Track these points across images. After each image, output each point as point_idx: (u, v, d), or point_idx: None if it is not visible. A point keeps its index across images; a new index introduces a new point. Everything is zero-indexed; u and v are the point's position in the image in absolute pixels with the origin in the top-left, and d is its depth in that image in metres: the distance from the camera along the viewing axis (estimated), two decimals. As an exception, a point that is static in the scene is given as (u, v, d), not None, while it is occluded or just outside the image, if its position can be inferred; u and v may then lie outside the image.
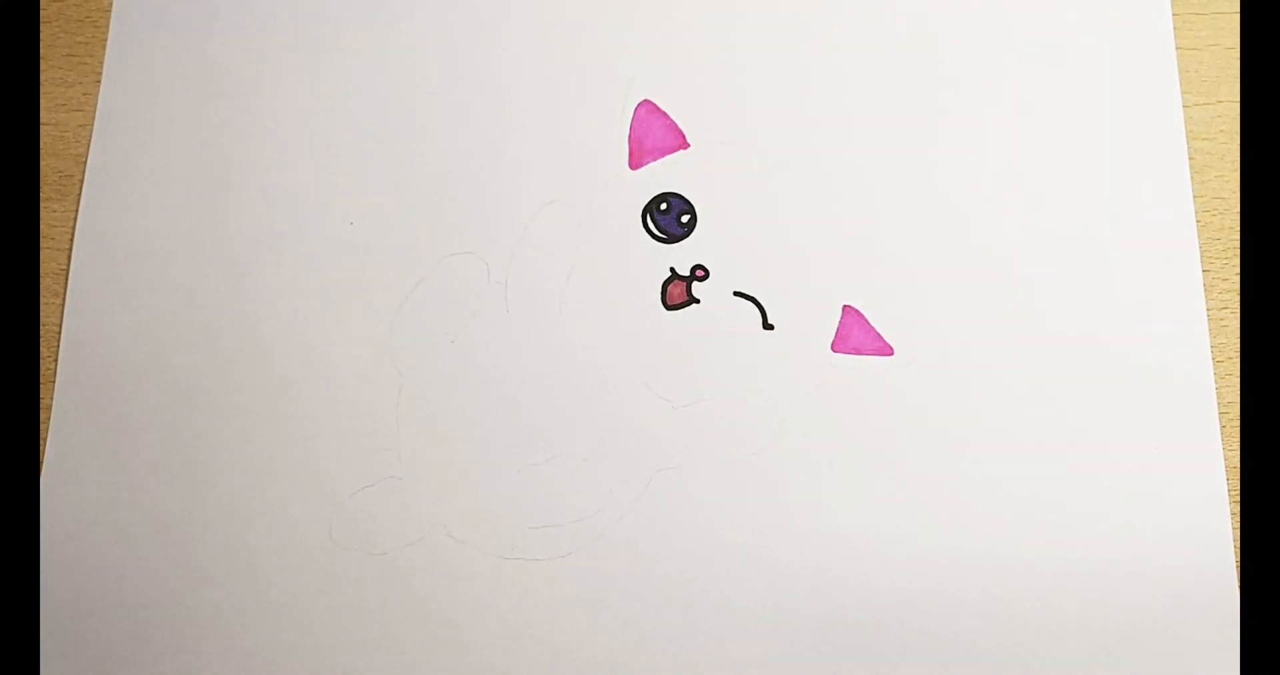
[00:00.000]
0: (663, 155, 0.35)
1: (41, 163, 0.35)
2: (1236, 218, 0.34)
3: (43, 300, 0.34)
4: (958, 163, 0.34)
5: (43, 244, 0.35)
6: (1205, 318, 0.33)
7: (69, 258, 0.35)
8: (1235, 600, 0.31)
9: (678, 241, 0.34)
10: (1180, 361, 0.33)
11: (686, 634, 0.31)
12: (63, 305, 0.34)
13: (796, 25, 0.36)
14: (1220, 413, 0.32)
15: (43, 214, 0.35)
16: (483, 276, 0.34)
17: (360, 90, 0.36)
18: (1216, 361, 0.33)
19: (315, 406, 0.33)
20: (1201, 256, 0.33)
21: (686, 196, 0.34)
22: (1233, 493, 0.32)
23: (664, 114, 0.35)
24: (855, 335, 0.33)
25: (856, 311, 0.33)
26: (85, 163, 0.35)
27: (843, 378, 0.33)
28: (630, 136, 0.35)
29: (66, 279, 0.35)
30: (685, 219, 0.34)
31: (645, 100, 0.35)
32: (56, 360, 0.34)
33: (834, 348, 0.33)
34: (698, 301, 0.34)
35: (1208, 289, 0.33)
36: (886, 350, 0.33)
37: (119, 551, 0.32)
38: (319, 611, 0.32)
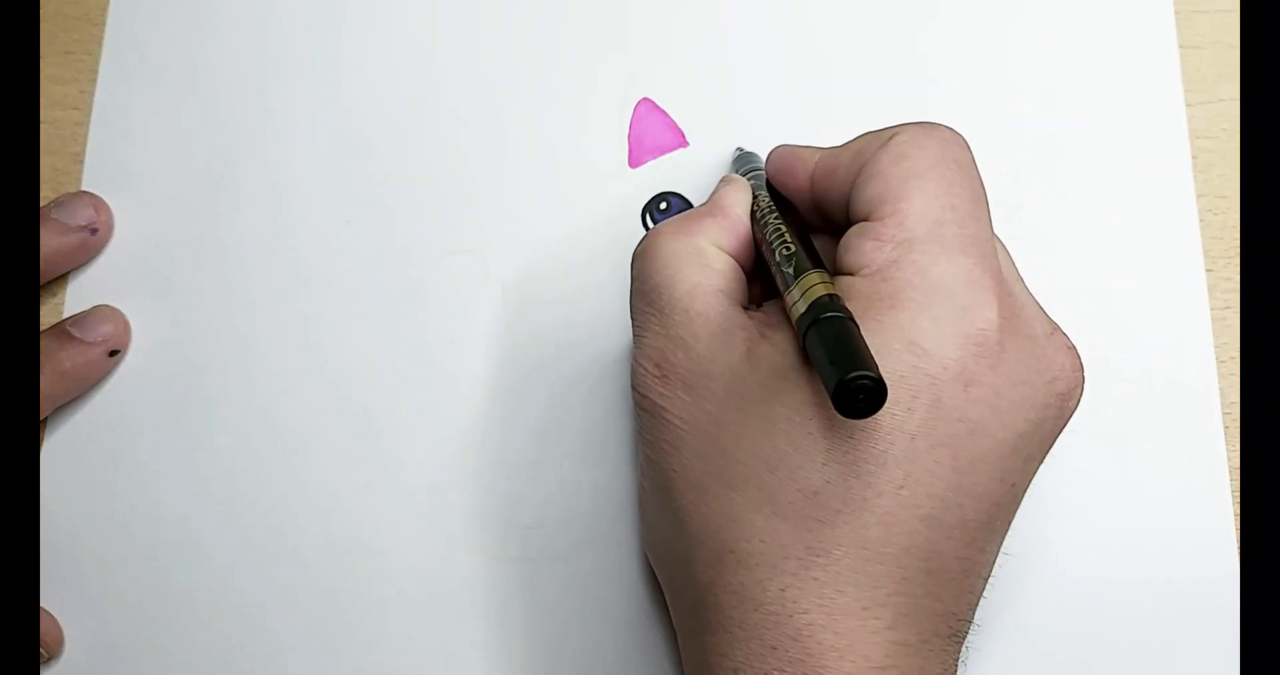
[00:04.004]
0: (662, 154, 0.35)
1: (38, 161, 0.35)
2: (1239, 216, 0.34)
3: (43, 300, 0.34)
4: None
5: (41, 243, 0.35)
6: (1209, 317, 0.33)
7: (67, 257, 0.35)
8: (1235, 600, 0.31)
9: (678, 241, 0.34)
10: (1183, 361, 0.33)
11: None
12: (62, 305, 0.34)
13: (796, 24, 0.36)
14: (1224, 413, 0.32)
15: (41, 213, 0.35)
16: (482, 276, 0.34)
17: (360, 88, 0.36)
18: (1219, 361, 0.33)
19: (315, 406, 0.33)
20: (1204, 255, 0.33)
21: (686, 196, 0.34)
22: (1234, 493, 0.32)
23: (663, 112, 0.35)
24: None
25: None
26: (83, 161, 0.35)
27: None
28: (630, 135, 0.35)
29: (66, 278, 0.34)
30: (685, 218, 0.34)
31: (645, 98, 0.35)
32: (55, 360, 0.34)
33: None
34: (698, 301, 0.34)
35: (1210, 288, 0.33)
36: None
37: (119, 551, 0.32)
38: (318, 611, 0.32)
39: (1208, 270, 0.33)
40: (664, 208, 0.34)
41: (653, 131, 0.35)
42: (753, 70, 0.35)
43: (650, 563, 0.29)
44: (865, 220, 0.26)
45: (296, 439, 0.33)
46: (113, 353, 0.33)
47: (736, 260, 0.28)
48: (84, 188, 0.35)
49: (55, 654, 0.32)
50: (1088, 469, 0.32)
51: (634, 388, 0.27)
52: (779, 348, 0.25)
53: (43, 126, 0.36)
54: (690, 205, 0.34)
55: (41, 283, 0.34)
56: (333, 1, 0.36)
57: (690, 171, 0.35)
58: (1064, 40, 0.35)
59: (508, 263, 0.34)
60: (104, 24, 0.36)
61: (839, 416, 0.22)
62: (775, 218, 0.27)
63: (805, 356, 0.24)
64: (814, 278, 0.24)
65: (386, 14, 0.36)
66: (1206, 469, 0.32)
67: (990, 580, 0.26)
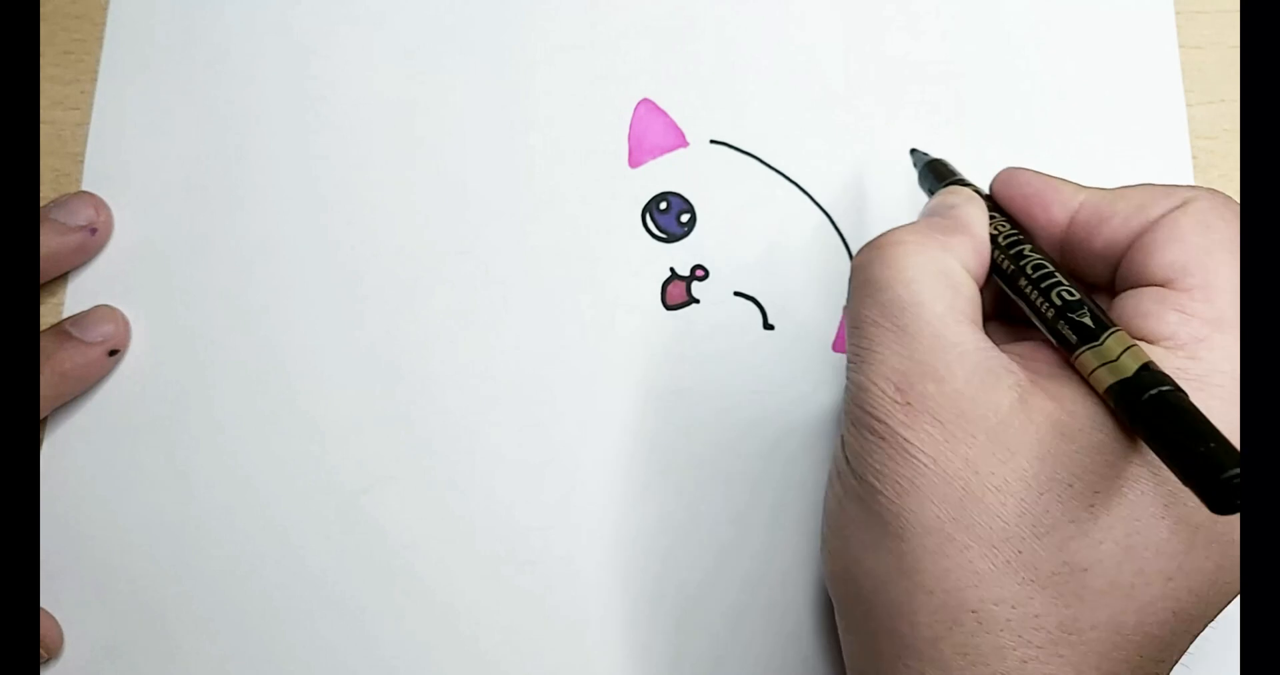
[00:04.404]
0: (662, 154, 0.35)
1: (38, 161, 0.35)
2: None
3: (43, 300, 0.34)
4: (958, 162, 0.34)
5: (41, 243, 0.35)
6: (1207, 317, 0.33)
7: (67, 257, 0.35)
8: (1235, 600, 0.31)
9: (677, 241, 0.34)
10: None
11: (690, 637, 0.31)
12: (62, 305, 0.34)
13: (797, 24, 0.36)
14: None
15: (41, 213, 0.35)
16: (482, 276, 0.34)
17: (360, 88, 0.36)
18: (1218, 361, 0.32)
19: (315, 406, 0.33)
20: (1204, 256, 0.33)
21: (686, 196, 0.34)
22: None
23: (663, 112, 0.35)
24: (856, 335, 0.33)
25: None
26: (82, 161, 0.35)
27: (843, 378, 0.33)
28: (630, 135, 0.35)
29: (66, 278, 0.34)
30: (685, 218, 0.34)
31: (645, 99, 0.35)
32: (55, 360, 0.34)
33: (834, 348, 0.33)
34: (698, 301, 0.34)
35: (1210, 288, 0.33)
36: (887, 350, 0.33)
37: (118, 552, 0.32)
38: (318, 614, 0.32)
39: (1208, 270, 0.33)
40: (664, 207, 0.34)
41: (653, 131, 0.35)
42: (753, 70, 0.35)
43: (828, 588, 0.27)
44: (1157, 285, 0.24)
45: (296, 439, 0.33)
46: (112, 353, 0.33)
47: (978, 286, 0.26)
48: (84, 188, 0.35)
49: (55, 654, 0.32)
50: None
51: (864, 408, 0.24)
52: (1060, 403, 0.23)
53: (43, 126, 0.36)
54: (690, 205, 0.34)
55: (41, 283, 0.34)
56: (332, 2, 0.36)
57: (690, 171, 0.35)
58: (1064, 40, 0.35)
59: (508, 263, 0.34)
60: (104, 24, 0.36)
61: (1128, 496, 0.21)
62: (1033, 251, 0.26)
63: (1112, 423, 0.23)
64: (1125, 340, 0.23)
65: (387, 15, 0.36)
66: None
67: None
